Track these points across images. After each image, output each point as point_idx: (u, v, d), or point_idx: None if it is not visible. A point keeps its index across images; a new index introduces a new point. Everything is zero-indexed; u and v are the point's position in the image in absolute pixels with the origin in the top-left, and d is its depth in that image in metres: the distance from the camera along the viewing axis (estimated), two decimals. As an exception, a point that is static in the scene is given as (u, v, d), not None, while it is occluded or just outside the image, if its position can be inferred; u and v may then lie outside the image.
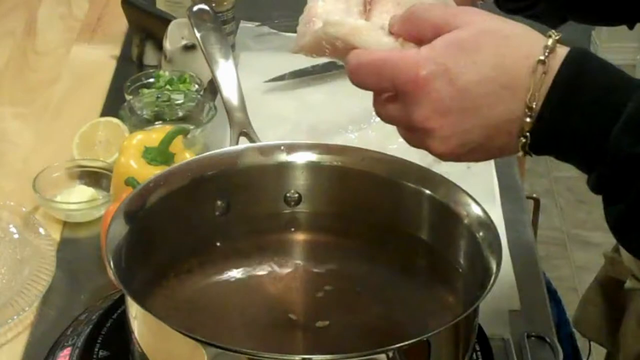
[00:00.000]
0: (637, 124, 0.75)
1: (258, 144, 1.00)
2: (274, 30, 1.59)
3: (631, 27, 1.04)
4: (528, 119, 0.76)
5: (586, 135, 0.76)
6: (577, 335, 1.29)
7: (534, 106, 0.76)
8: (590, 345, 1.29)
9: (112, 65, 1.51)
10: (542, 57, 0.76)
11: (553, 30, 0.78)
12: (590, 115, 0.76)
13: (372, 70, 0.80)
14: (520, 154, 0.79)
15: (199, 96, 1.34)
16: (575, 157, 0.78)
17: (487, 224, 0.85)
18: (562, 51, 0.78)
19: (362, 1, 0.84)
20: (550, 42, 0.77)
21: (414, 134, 0.81)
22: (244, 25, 1.59)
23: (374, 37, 0.82)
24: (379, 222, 0.94)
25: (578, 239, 2.69)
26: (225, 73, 1.06)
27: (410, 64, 0.78)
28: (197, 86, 1.37)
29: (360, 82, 0.81)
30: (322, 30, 0.84)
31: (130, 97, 1.34)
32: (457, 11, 0.80)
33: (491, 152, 0.80)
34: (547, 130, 0.77)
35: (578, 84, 0.76)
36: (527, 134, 0.77)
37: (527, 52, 0.77)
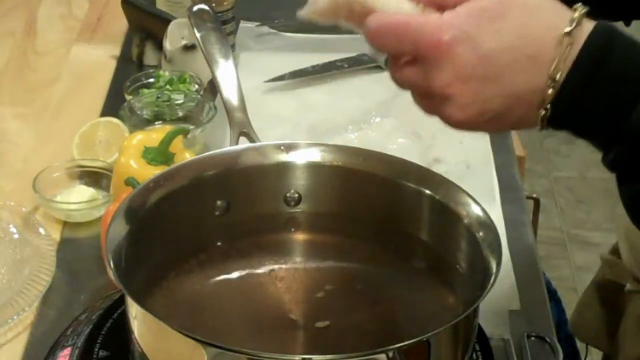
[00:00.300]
0: None
1: (258, 144, 1.00)
2: (274, 30, 1.59)
3: (628, 24, 1.03)
4: (550, 91, 0.75)
5: (608, 110, 0.75)
6: (577, 336, 1.29)
7: (557, 77, 0.75)
8: (587, 347, 1.29)
9: (112, 65, 1.51)
10: (568, 29, 0.75)
11: (579, 4, 0.77)
12: (614, 91, 0.75)
13: (394, 32, 0.78)
14: (539, 127, 0.78)
15: (199, 96, 1.34)
16: (594, 133, 0.77)
17: (487, 224, 0.85)
18: (589, 25, 0.76)
19: None
20: (576, 14, 0.76)
21: (431, 101, 0.79)
22: (244, 25, 1.59)
23: (394, 2, 0.80)
24: (379, 222, 0.94)
25: (578, 239, 2.68)
26: (225, 73, 1.06)
27: (434, 28, 0.76)
28: (197, 86, 1.37)
29: (380, 44, 0.79)
30: None
31: (130, 97, 1.34)
32: None
33: (509, 122, 0.79)
34: (569, 103, 0.75)
35: (604, 59, 0.75)
36: (548, 105, 0.76)
37: (553, 24, 0.76)
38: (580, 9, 0.76)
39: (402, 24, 0.78)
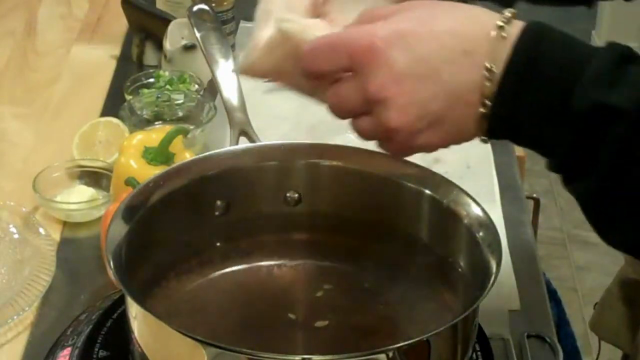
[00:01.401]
0: (602, 75, 0.73)
1: (258, 144, 1.00)
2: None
3: (590, 6, 1.02)
4: (488, 83, 0.74)
5: (549, 93, 0.73)
6: (577, 335, 1.29)
7: (493, 69, 0.73)
8: (600, 345, 1.29)
9: (112, 65, 1.51)
10: (500, 23, 0.75)
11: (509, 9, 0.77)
12: (553, 75, 0.74)
13: (327, 48, 0.77)
14: (478, 137, 0.76)
15: (199, 96, 1.34)
16: (537, 126, 0.74)
17: (487, 224, 0.85)
18: (520, 22, 0.76)
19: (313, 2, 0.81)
20: (507, 12, 0.76)
21: (371, 114, 0.77)
22: (244, 25, 1.59)
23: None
24: (379, 222, 0.94)
25: (578, 239, 2.68)
26: (225, 73, 1.06)
27: (366, 34, 0.75)
28: (197, 86, 1.37)
29: (315, 65, 0.77)
30: (275, 30, 0.80)
31: (130, 97, 1.35)
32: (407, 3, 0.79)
33: (451, 128, 0.76)
34: (508, 94, 0.74)
35: (539, 48, 0.74)
36: (488, 102, 0.74)
37: (484, 22, 0.75)
38: (510, 10, 0.76)
39: (335, 37, 0.77)
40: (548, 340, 1.00)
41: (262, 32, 0.81)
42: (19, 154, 1.30)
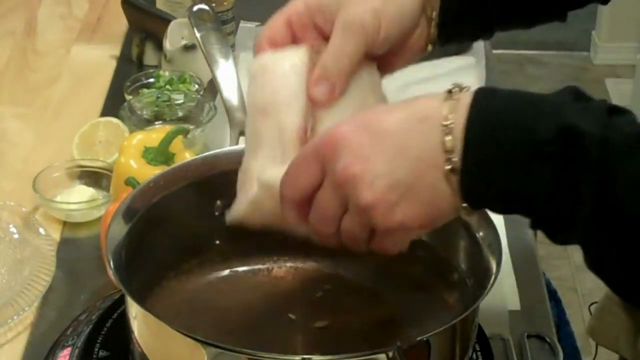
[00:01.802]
0: (564, 105, 0.71)
1: (258, 144, 1.00)
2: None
3: (563, 20, 1.01)
4: (449, 138, 0.72)
5: (515, 133, 0.71)
6: (577, 335, 1.29)
7: (451, 125, 0.72)
8: (597, 347, 1.28)
9: (112, 65, 1.51)
10: (449, 89, 0.75)
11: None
12: (514, 116, 0.72)
13: (297, 164, 0.77)
14: (459, 208, 0.74)
15: (199, 96, 1.34)
16: (509, 170, 0.72)
17: (487, 224, 0.85)
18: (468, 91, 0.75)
19: (297, 137, 0.81)
20: (451, 86, 0.75)
21: (348, 207, 0.75)
22: (244, 25, 1.59)
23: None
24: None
25: (578, 239, 2.68)
26: (225, 73, 1.06)
27: (325, 133, 0.76)
28: (197, 86, 1.37)
29: (293, 188, 0.77)
30: (257, 187, 0.81)
31: (130, 97, 1.34)
32: None
33: (425, 197, 0.74)
34: (472, 142, 0.72)
35: (495, 99, 0.73)
36: (453, 158, 0.72)
37: (433, 95, 0.75)
38: (455, 83, 0.76)
39: (300, 151, 0.77)
40: (548, 340, 1.00)
41: (246, 194, 0.82)
42: (19, 154, 1.30)
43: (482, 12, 0.91)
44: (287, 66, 0.81)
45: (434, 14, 0.87)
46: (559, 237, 0.73)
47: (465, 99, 0.73)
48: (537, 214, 0.73)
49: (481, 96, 0.73)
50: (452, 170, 0.72)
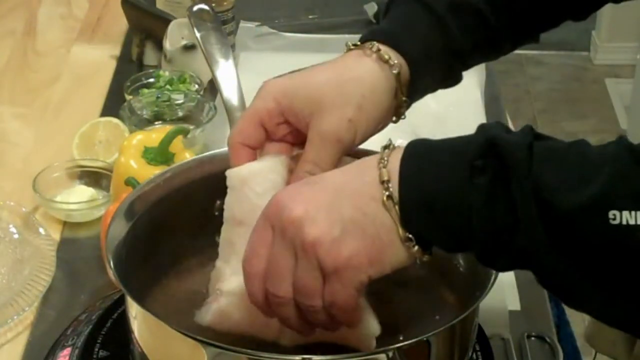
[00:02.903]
0: (495, 128, 0.73)
1: (258, 144, 1.00)
2: (274, 30, 1.59)
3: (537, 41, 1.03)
4: (384, 170, 0.74)
5: (451, 152, 0.74)
6: (577, 335, 1.29)
7: (385, 160, 0.75)
8: (595, 353, 1.28)
9: (112, 65, 1.51)
10: (383, 145, 0.77)
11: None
12: (448, 142, 0.75)
13: (253, 237, 0.76)
14: (401, 232, 0.74)
15: (199, 96, 1.35)
16: (451, 190, 0.72)
17: (487, 224, 0.85)
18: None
19: None
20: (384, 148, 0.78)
21: (296, 254, 0.74)
22: (244, 25, 1.59)
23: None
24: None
25: (578, 239, 2.68)
26: (225, 73, 1.06)
27: (272, 197, 0.77)
28: (197, 86, 1.37)
29: (252, 259, 0.76)
30: (224, 304, 0.82)
31: (130, 97, 1.35)
32: None
33: (370, 231, 0.74)
34: (409, 170, 0.74)
35: (427, 140, 0.76)
36: (391, 187, 0.73)
37: (367, 158, 0.77)
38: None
39: (253, 229, 0.77)
40: (548, 340, 1.00)
41: (216, 300, 0.82)
42: (19, 154, 1.30)
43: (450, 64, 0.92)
44: (266, 183, 0.82)
45: (404, 97, 0.88)
46: (501, 258, 0.73)
47: (402, 146, 0.76)
48: (478, 234, 0.72)
49: (414, 141, 0.76)
50: (389, 197, 0.73)
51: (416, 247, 0.74)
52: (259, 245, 0.76)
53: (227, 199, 0.83)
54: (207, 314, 0.82)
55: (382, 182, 0.74)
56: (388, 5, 0.94)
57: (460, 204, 0.72)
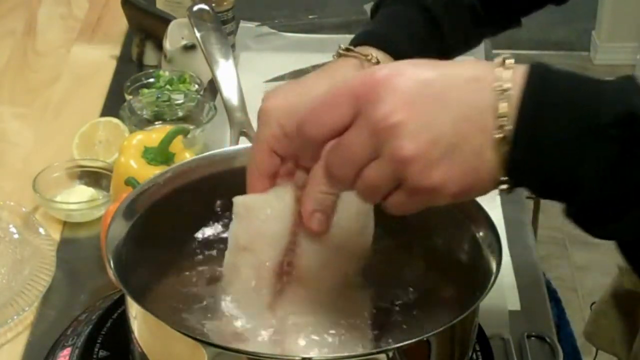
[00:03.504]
0: (625, 90, 0.69)
1: (258, 144, 1.00)
2: (274, 30, 1.59)
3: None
4: (504, 104, 0.68)
5: (573, 112, 0.68)
6: (577, 335, 1.29)
7: (508, 89, 0.68)
8: (597, 350, 1.29)
9: (112, 65, 1.51)
10: (501, 58, 0.70)
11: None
12: (572, 94, 0.69)
13: (327, 100, 0.71)
14: (498, 182, 0.70)
15: (199, 96, 1.34)
16: (563, 150, 0.68)
17: (487, 224, 0.85)
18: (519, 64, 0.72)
19: (273, 271, 0.82)
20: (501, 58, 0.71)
21: (380, 154, 0.69)
22: (244, 25, 1.59)
23: None
24: (379, 222, 0.94)
25: (578, 239, 2.68)
26: (225, 73, 1.06)
27: (363, 73, 0.71)
28: (197, 86, 1.37)
29: (317, 126, 0.71)
30: None
31: (130, 97, 1.35)
32: None
33: (468, 161, 0.69)
34: (529, 115, 0.67)
35: (551, 73, 0.70)
36: (505, 125, 0.67)
37: (479, 60, 0.73)
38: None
39: (332, 88, 0.72)
40: (548, 340, 1.00)
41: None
42: (19, 154, 1.30)
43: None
44: (271, 211, 0.81)
45: None
46: (597, 228, 0.69)
47: (521, 69, 0.69)
48: (584, 200, 0.68)
49: (537, 69, 0.69)
50: (502, 139, 0.68)
51: (506, 186, 0.70)
52: (330, 113, 0.70)
53: (232, 226, 0.83)
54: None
55: (497, 117, 0.68)
56: (378, 5, 0.92)
57: (578, 169, 0.67)
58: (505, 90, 0.68)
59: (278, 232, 0.81)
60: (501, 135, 0.68)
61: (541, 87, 0.68)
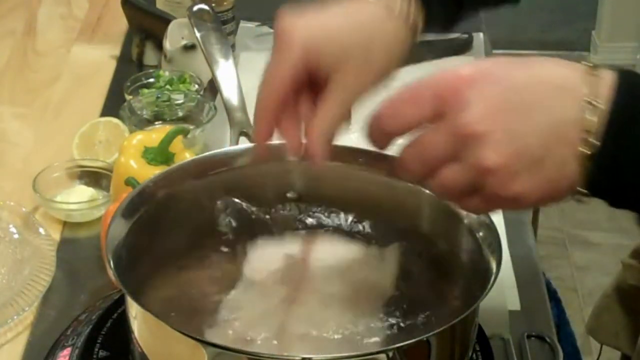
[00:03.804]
0: None
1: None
2: (274, 30, 1.59)
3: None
4: (592, 118, 0.66)
5: None
6: (577, 335, 1.29)
7: (596, 103, 0.67)
8: (601, 347, 1.29)
9: (112, 65, 1.51)
10: (590, 64, 0.69)
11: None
12: None
13: (409, 95, 0.71)
14: (575, 194, 0.68)
15: (199, 96, 1.34)
16: None
17: (487, 224, 0.85)
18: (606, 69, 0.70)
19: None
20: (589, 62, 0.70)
21: (461, 158, 0.69)
22: (244, 25, 1.59)
23: None
24: (379, 222, 0.94)
25: (578, 239, 2.69)
26: (225, 73, 1.06)
27: (449, 74, 0.70)
28: (197, 86, 1.37)
29: (396, 120, 0.71)
30: None
31: (130, 97, 1.35)
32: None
33: (550, 175, 0.68)
34: (616, 130, 0.66)
35: None
36: (592, 140, 0.66)
37: (571, 65, 0.70)
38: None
39: (415, 84, 0.71)
40: (548, 340, 1.00)
41: None
42: (19, 154, 1.30)
43: None
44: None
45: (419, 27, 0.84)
46: None
47: (609, 78, 0.68)
48: None
49: (626, 79, 0.68)
50: (587, 153, 0.67)
51: (582, 196, 0.69)
52: (410, 108, 0.70)
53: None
54: None
55: (584, 132, 0.67)
56: None
57: None
58: (593, 103, 0.67)
59: None
60: (587, 150, 0.67)
61: (630, 102, 0.68)
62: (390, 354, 0.74)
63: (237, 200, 0.94)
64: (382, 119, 0.72)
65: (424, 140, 0.70)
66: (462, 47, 1.51)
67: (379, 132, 0.73)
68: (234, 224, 0.94)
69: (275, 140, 0.84)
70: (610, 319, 1.22)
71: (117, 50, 1.54)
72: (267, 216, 0.95)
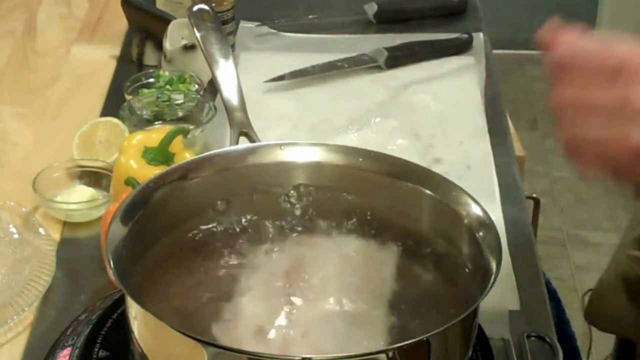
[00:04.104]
0: None
1: (258, 143, 1.00)
2: (274, 30, 1.59)
3: None
4: None
5: None
6: (577, 335, 1.29)
7: None
8: (590, 343, 1.29)
9: (112, 65, 1.51)
10: None
11: None
12: None
13: (596, 46, 0.76)
14: None
15: (199, 96, 1.34)
16: None
17: (487, 224, 0.85)
18: None
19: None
20: None
21: (619, 121, 0.73)
22: (244, 25, 1.59)
23: None
24: (379, 223, 0.94)
25: (578, 239, 2.68)
26: (225, 73, 1.06)
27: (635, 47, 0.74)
28: (197, 86, 1.37)
29: (574, 55, 0.78)
30: None
31: (130, 97, 1.35)
32: None
33: None
34: None
35: None
36: None
37: None
38: None
39: (604, 42, 0.77)
40: (548, 340, 1.00)
41: None
42: (19, 154, 1.30)
43: None
44: None
45: None
46: None
47: None
48: None
49: None
50: None
51: None
52: (592, 56, 0.76)
53: None
54: None
55: None
56: None
57: None
58: None
59: None
60: None
61: None
62: (390, 354, 0.74)
63: (237, 200, 0.94)
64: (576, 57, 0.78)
65: (589, 94, 0.75)
66: (462, 47, 1.51)
67: (560, 52, 0.81)
68: (234, 224, 0.94)
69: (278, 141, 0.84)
70: (613, 306, 1.22)
71: (117, 50, 1.54)
72: (268, 216, 0.95)
